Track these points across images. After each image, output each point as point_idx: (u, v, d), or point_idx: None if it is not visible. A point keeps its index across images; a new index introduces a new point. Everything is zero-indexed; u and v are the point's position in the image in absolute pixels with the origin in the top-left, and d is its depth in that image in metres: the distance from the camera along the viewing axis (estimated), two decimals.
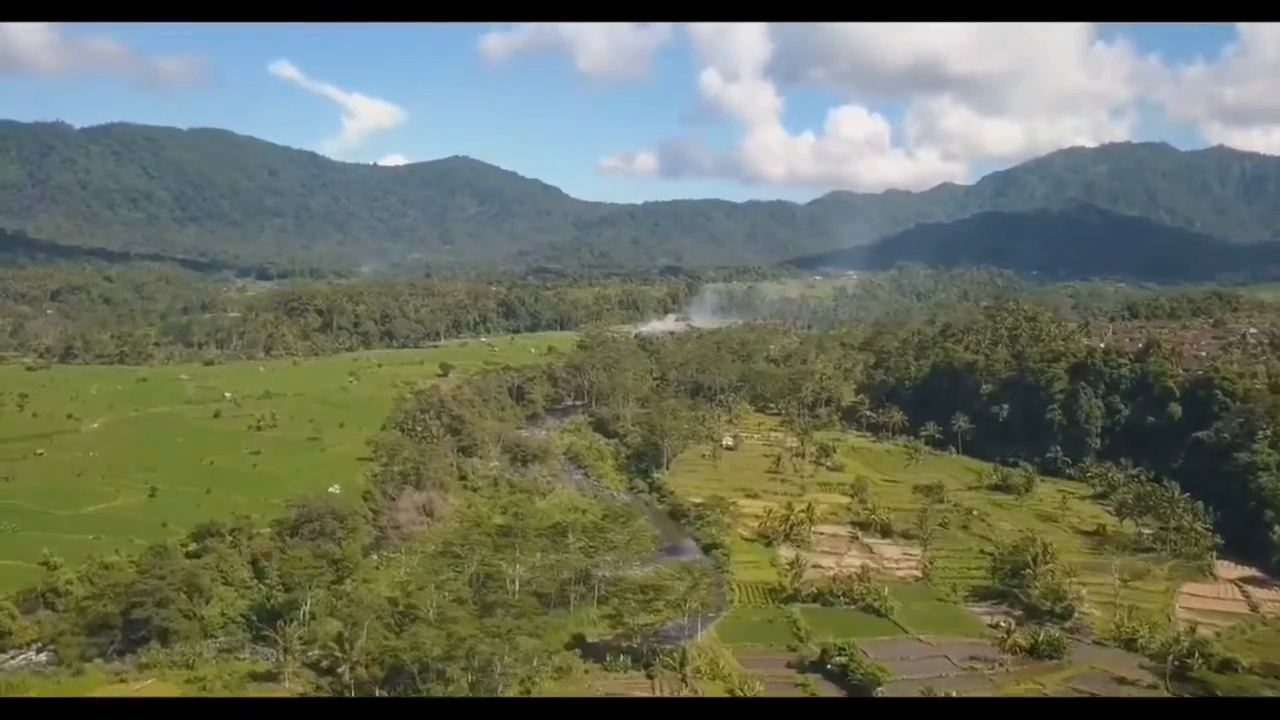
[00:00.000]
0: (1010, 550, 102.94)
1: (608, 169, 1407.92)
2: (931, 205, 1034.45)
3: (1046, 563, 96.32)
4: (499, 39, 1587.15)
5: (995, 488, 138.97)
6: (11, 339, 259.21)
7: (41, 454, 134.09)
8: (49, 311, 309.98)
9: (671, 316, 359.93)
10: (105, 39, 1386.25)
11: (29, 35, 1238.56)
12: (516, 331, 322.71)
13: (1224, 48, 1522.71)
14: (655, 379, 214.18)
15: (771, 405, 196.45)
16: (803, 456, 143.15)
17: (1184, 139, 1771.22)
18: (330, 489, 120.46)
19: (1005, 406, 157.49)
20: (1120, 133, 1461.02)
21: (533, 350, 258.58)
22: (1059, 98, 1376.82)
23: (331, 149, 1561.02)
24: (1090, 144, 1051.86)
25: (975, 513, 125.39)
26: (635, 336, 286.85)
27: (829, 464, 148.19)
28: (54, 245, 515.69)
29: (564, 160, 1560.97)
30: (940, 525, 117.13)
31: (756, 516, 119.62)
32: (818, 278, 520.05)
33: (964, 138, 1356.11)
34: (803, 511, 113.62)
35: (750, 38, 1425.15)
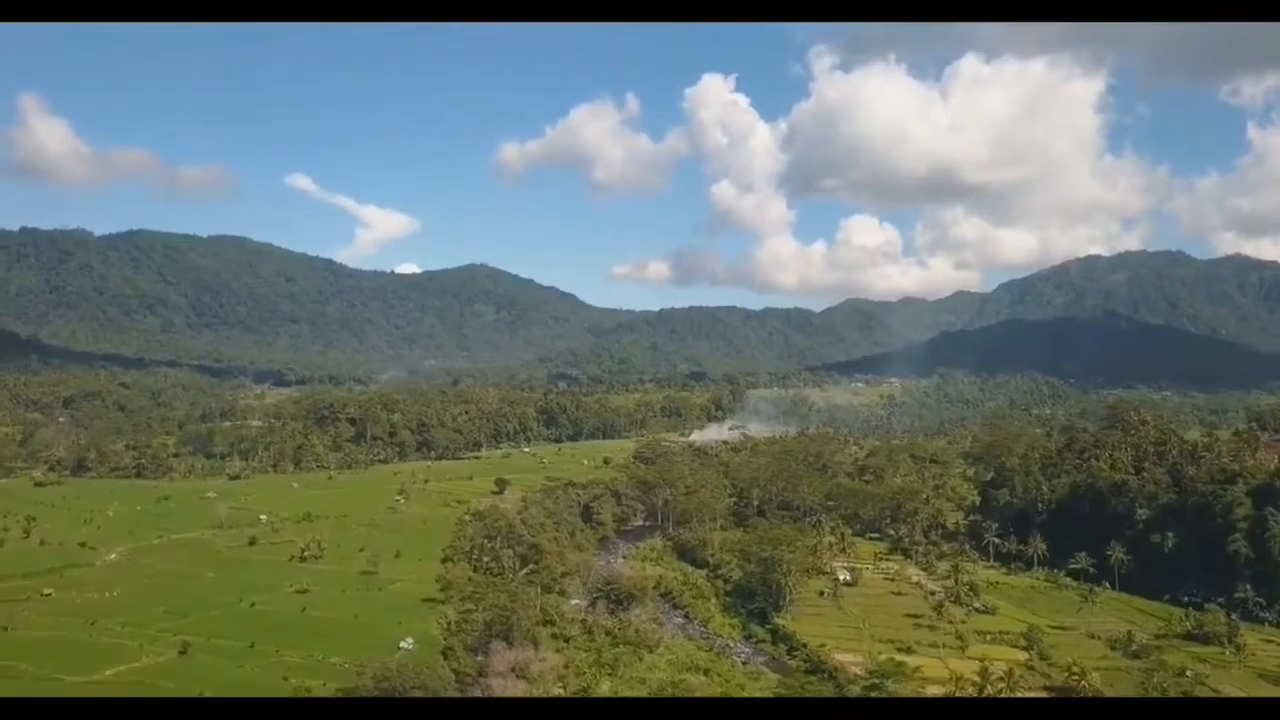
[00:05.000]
0: None
1: (620, 276, 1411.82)
2: (949, 313, 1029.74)
3: None
4: (515, 150, 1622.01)
5: (1190, 637, 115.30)
6: (21, 449, 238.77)
7: (49, 594, 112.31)
8: (61, 419, 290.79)
9: (726, 424, 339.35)
10: (131, 149, 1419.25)
11: (56, 145, 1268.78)
12: (558, 440, 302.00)
13: (1237, 159, 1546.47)
14: (731, 496, 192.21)
15: (872, 529, 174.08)
16: (958, 600, 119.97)
17: (1199, 247, 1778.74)
18: (401, 643, 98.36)
19: (1169, 535, 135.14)
20: (1133, 241, 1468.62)
21: (585, 462, 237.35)
22: (1070, 208, 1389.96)
23: (347, 257, 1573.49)
24: (1105, 253, 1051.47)
25: (1190, 673, 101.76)
26: (690, 446, 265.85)
27: (979, 606, 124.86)
28: (68, 351, 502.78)
29: (579, 268, 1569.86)
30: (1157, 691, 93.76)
31: (929, 680, 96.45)
32: (859, 385, 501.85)
33: (977, 246, 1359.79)
34: (1000, 678, 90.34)
35: (763, 149, 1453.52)
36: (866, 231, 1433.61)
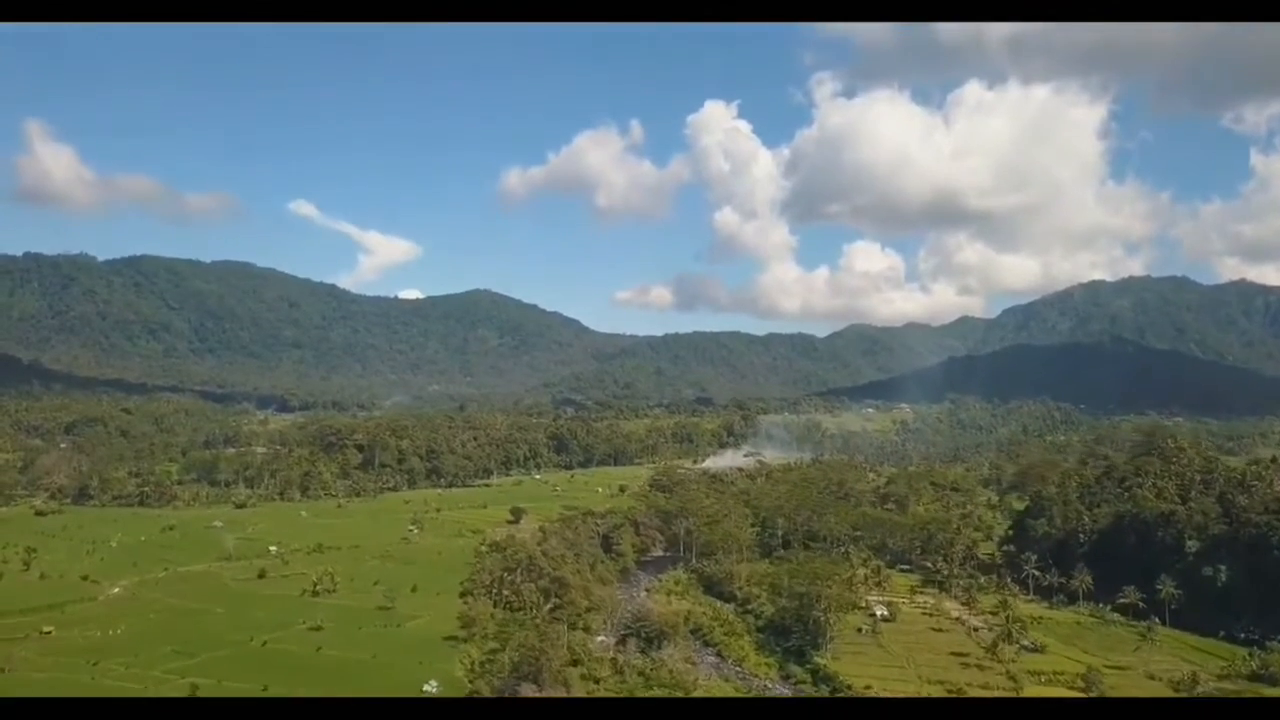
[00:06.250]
0: None
1: (623, 302, 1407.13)
2: (953, 338, 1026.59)
3: None
4: (518, 176, 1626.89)
5: (1256, 678, 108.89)
6: (21, 476, 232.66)
7: (49, 632, 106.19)
8: (62, 445, 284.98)
9: (741, 451, 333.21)
10: (136, 176, 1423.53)
11: (62, 172, 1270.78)
12: (569, 467, 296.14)
13: (1240, 184, 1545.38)
14: (753, 526, 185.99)
15: (901, 561, 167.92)
16: (1008, 637, 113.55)
17: (1202, 272, 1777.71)
18: (425, 686, 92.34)
19: (1222, 568, 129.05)
20: (1136, 267, 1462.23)
21: (600, 490, 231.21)
22: (1074, 233, 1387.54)
23: (350, 282, 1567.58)
24: (1108, 278, 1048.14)
25: None
26: (705, 473, 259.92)
27: (1027, 644, 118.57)
28: (70, 376, 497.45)
29: (582, 293, 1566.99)
30: None
31: None
32: (869, 410, 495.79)
33: (980, 272, 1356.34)
34: None
35: (765, 175, 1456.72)
36: (869, 257, 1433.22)
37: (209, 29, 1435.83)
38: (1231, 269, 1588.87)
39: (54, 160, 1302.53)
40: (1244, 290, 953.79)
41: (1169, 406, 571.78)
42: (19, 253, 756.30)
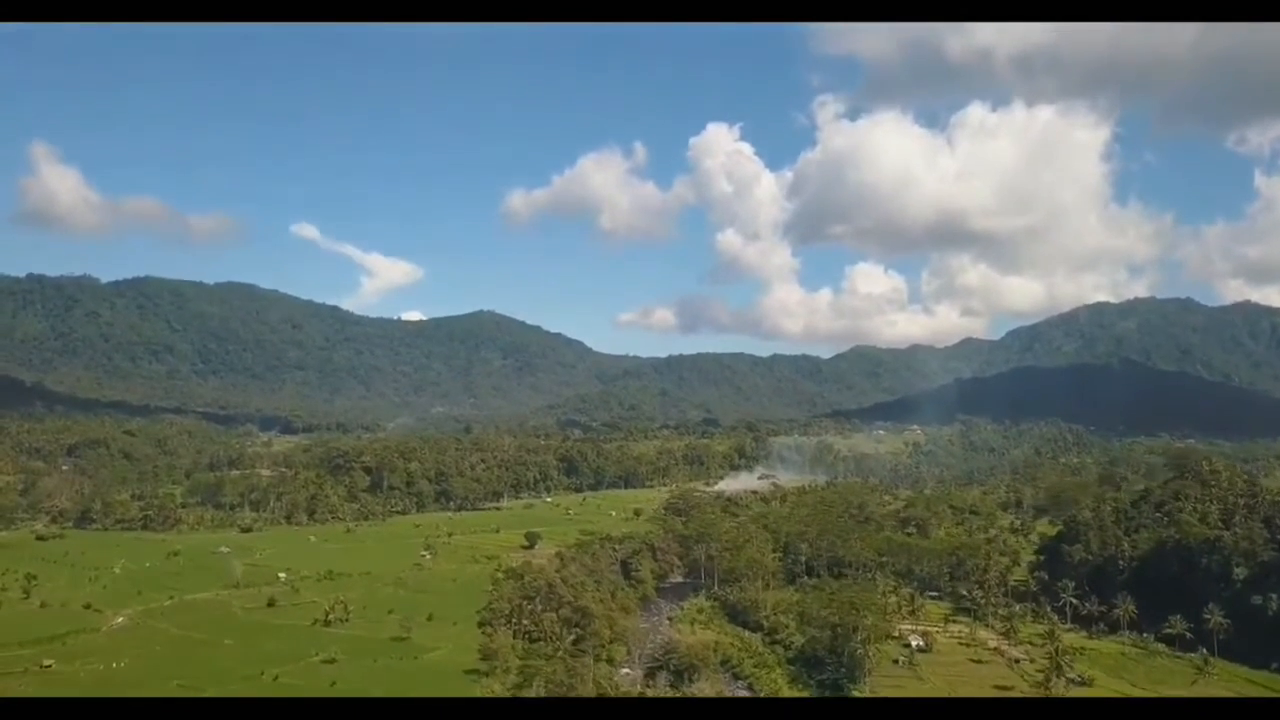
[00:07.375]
0: None
1: (626, 323, 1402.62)
2: (957, 360, 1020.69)
3: None
4: (522, 198, 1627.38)
5: None
6: (22, 499, 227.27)
7: (49, 666, 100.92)
8: (64, 468, 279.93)
9: (755, 473, 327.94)
10: (142, 198, 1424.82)
11: (67, 194, 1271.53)
12: (579, 489, 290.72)
13: (1244, 205, 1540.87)
14: (774, 551, 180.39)
15: (929, 587, 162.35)
16: (1058, 670, 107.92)
17: (1205, 294, 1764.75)
18: None
19: (1273, 597, 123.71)
20: (1140, 288, 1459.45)
21: (613, 514, 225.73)
22: (1077, 255, 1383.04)
23: (352, 304, 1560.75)
24: (1112, 299, 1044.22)
25: None
26: (719, 496, 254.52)
27: (1074, 676, 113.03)
28: (73, 398, 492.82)
29: (585, 314, 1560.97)
30: None
31: None
32: (880, 432, 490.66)
33: (983, 294, 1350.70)
34: None
35: (768, 197, 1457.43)
36: (872, 279, 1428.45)
37: (213, 54, 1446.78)
38: (1236, 290, 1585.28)
39: (58, 182, 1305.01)
40: (1249, 312, 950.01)
41: (1179, 428, 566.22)
42: (22, 274, 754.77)
